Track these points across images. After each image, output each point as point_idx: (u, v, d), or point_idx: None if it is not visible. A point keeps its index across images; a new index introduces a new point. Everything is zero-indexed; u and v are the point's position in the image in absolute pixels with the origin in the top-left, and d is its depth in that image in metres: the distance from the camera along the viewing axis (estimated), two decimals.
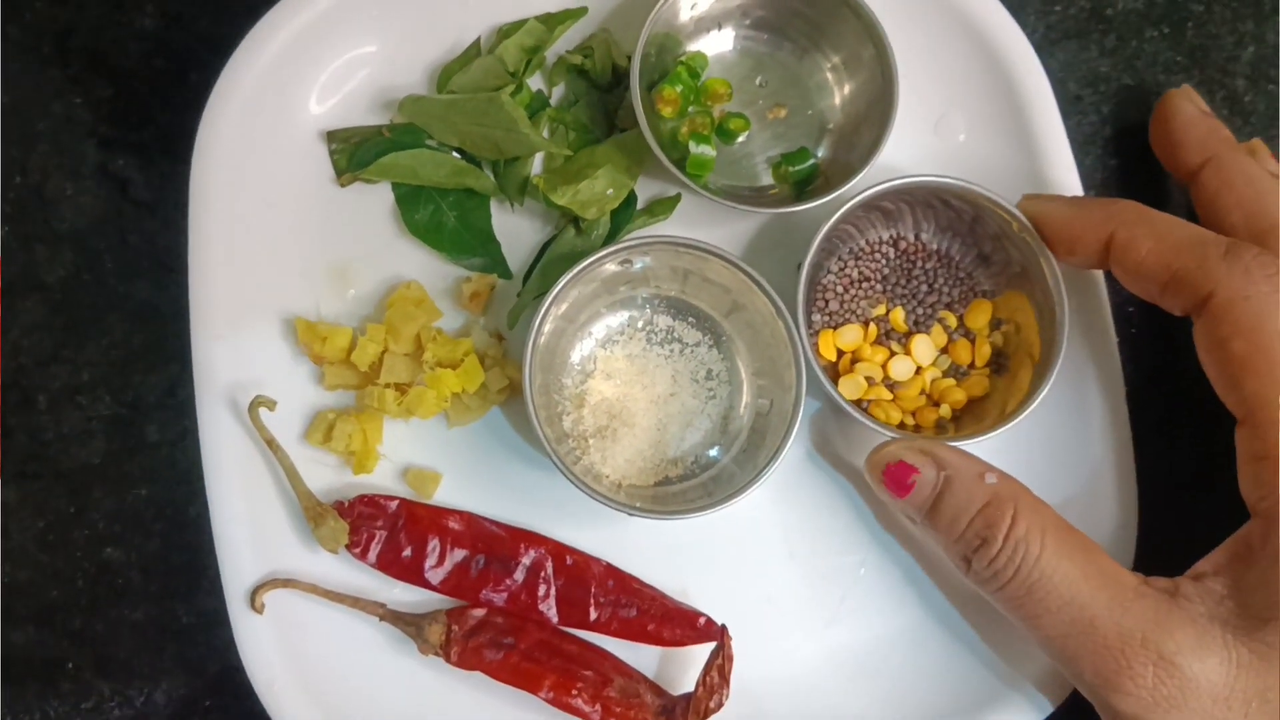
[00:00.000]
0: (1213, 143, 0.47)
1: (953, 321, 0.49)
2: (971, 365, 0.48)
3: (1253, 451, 0.40)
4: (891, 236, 0.49)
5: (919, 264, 0.49)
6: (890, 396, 0.48)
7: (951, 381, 0.48)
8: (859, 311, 0.49)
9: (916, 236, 0.49)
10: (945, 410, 0.48)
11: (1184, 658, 0.39)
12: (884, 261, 0.49)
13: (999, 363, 0.48)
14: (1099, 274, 0.49)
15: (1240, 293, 0.40)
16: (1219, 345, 0.41)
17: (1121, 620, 0.39)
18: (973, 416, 0.48)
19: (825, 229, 0.45)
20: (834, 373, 0.48)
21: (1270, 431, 0.39)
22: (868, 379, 0.48)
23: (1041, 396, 0.45)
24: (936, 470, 0.43)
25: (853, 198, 0.45)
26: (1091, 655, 0.40)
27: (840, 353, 0.48)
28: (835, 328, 0.48)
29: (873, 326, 0.48)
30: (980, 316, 0.48)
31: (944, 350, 0.49)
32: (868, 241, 0.49)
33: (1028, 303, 0.47)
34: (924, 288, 0.49)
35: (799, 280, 0.45)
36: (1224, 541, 0.42)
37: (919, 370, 0.48)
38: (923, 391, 0.48)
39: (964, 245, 0.49)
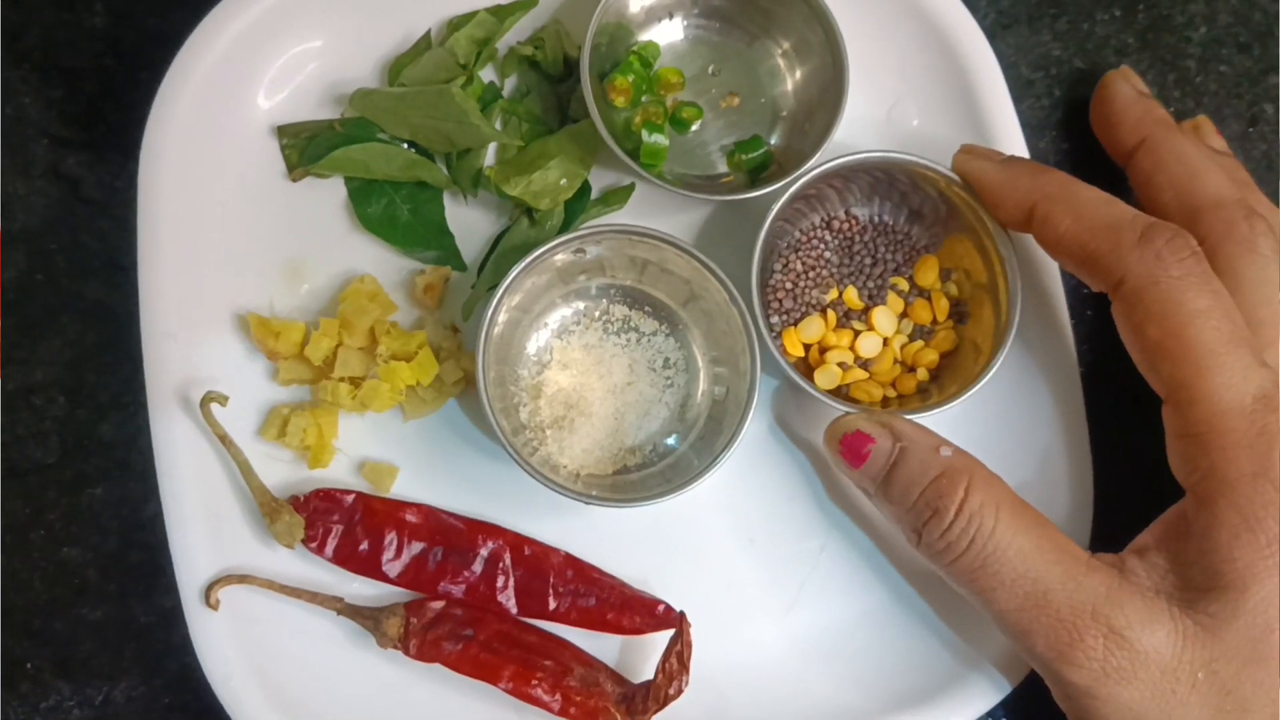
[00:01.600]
0: (1147, 123, 0.47)
1: (904, 285, 0.49)
2: (935, 322, 0.49)
3: (1176, 429, 0.41)
4: (823, 219, 0.49)
5: (856, 238, 0.49)
6: (866, 376, 0.48)
7: (920, 344, 0.48)
8: (813, 302, 0.49)
9: (846, 212, 0.49)
10: (923, 373, 0.48)
11: (1133, 630, 0.39)
12: (823, 246, 0.49)
13: (959, 311, 0.49)
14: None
15: (1150, 278, 0.40)
16: (1134, 330, 0.41)
17: (1074, 594, 0.39)
18: (951, 370, 0.48)
19: (775, 209, 0.46)
20: (806, 367, 0.48)
21: (1190, 411, 0.40)
22: (840, 365, 0.48)
23: (1014, 328, 0.45)
24: (892, 441, 0.43)
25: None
26: (1044, 629, 0.40)
27: (807, 346, 0.48)
28: (795, 324, 0.48)
29: (831, 313, 0.49)
30: (929, 273, 0.49)
31: (904, 315, 0.49)
32: (801, 231, 0.49)
33: (969, 244, 0.48)
34: (868, 260, 0.49)
35: (753, 264, 0.45)
36: (1160, 516, 0.42)
37: (886, 342, 0.48)
38: (896, 360, 0.48)
39: (894, 207, 0.49)
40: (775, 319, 0.49)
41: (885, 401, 0.47)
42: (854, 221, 0.49)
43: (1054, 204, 0.43)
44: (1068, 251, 0.43)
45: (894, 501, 0.43)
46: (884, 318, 0.48)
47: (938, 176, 0.46)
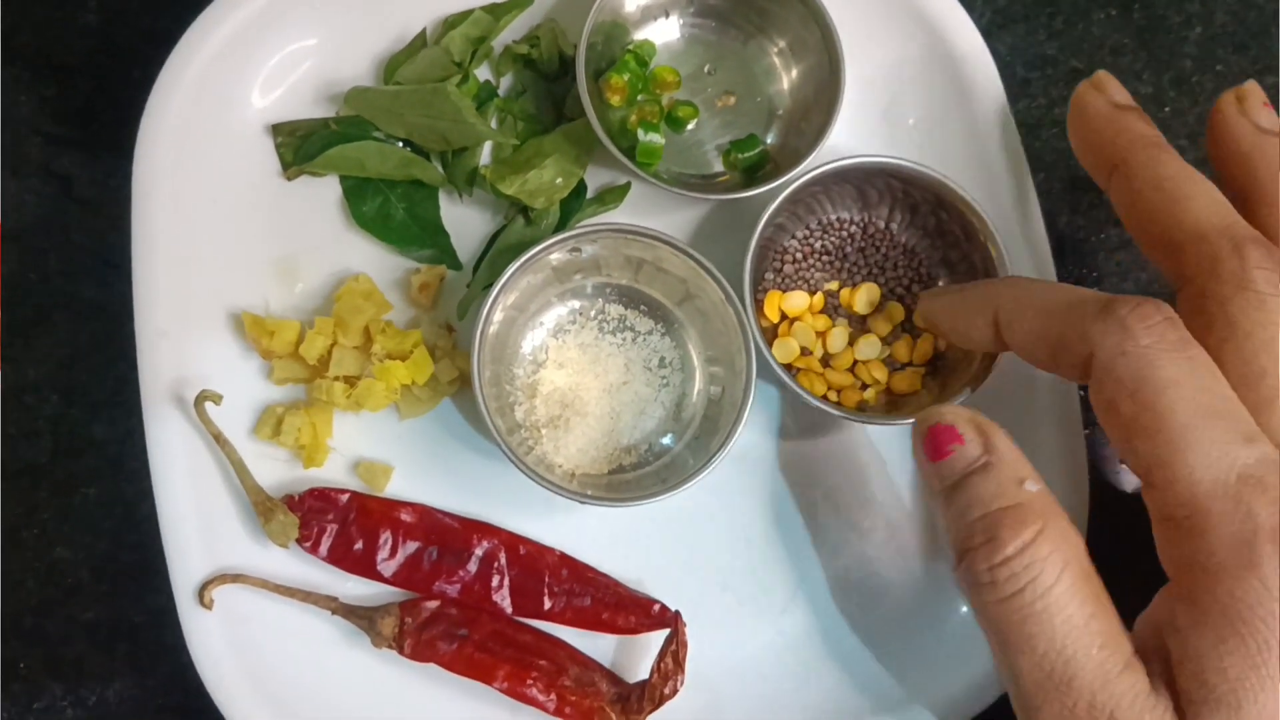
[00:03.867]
0: (1121, 144, 0.42)
1: (900, 315, 0.49)
2: (909, 364, 0.48)
3: (1157, 512, 0.36)
4: (863, 219, 0.49)
5: (884, 251, 0.49)
6: (820, 370, 0.48)
7: (885, 369, 0.48)
8: (812, 281, 0.49)
9: (887, 225, 0.49)
10: (870, 395, 0.48)
11: None
12: (849, 241, 0.49)
13: (935, 366, 0.48)
14: None
15: (1117, 349, 0.35)
16: (1107, 409, 0.36)
17: (1098, 694, 0.35)
18: (895, 409, 0.47)
19: (767, 214, 0.45)
20: (773, 335, 0.48)
21: (1168, 492, 0.35)
22: (803, 349, 0.48)
23: (960, 399, 0.45)
24: (982, 449, 0.38)
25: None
26: (1053, 713, 0.36)
27: (784, 316, 0.48)
28: (785, 290, 0.48)
29: (820, 295, 0.48)
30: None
31: (885, 339, 0.49)
32: (838, 218, 0.49)
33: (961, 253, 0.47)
34: (881, 276, 0.49)
35: (745, 265, 0.45)
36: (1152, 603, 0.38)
37: (851, 344, 0.48)
38: (852, 370, 0.48)
39: (932, 246, 0.49)
40: (770, 276, 0.49)
41: (824, 399, 0.47)
42: (889, 235, 0.49)
43: (1013, 306, 0.40)
44: (1037, 348, 0.39)
45: (952, 513, 0.38)
46: (868, 347, 0.48)
47: (933, 180, 0.46)
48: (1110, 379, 0.36)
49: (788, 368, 0.47)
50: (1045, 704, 0.36)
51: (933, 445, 0.39)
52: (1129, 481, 0.51)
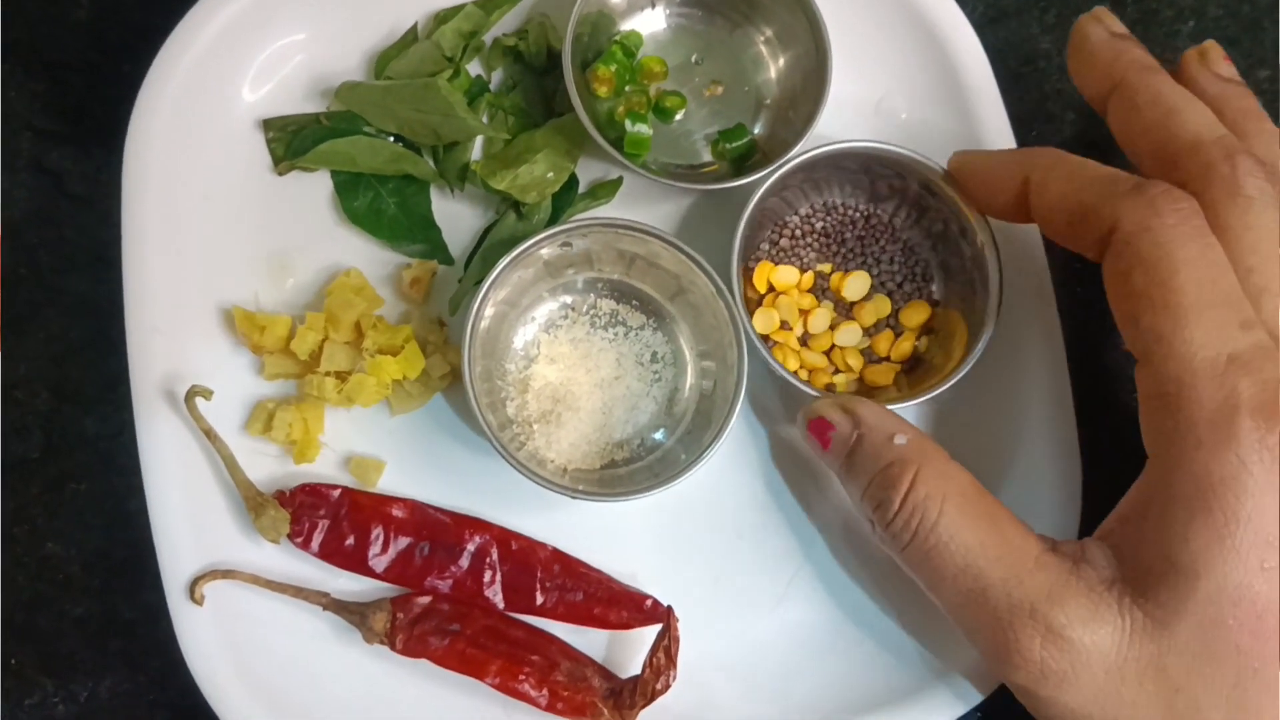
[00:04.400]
0: (1120, 66, 0.43)
1: (886, 309, 0.49)
2: (886, 358, 0.48)
3: (1147, 389, 0.38)
4: (867, 209, 0.49)
5: (882, 243, 0.49)
6: (796, 347, 0.48)
7: (860, 359, 0.48)
8: (806, 259, 0.49)
9: (890, 220, 0.49)
10: (840, 380, 0.48)
11: (1074, 630, 0.37)
12: (849, 227, 0.49)
13: (912, 366, 0.49)
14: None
15: (1142, 224, 0.38)
16: (1120, 279, 0.38)
17: (1013, 592, 0.38)
18: (934, 358, 0.48)
19: (743, 221, 0.46)
20: (757, 306, 0.48)
21: (1162, 367, 0.37)
22: (783, 322, 0.48)
23: (995, 319, 0.45)
24: (851, 425, 0.42)
25: (761, 185, 0.46)
26: (984, 627, 0.39)
27: (771, 289, 0.48)
28: (777, 264, 0.48)
29: (810, 275, 0.49)
30: (916, 316, 0.48)
31: (867, 330, 0.49)
32: (843, 203, 0.49)
33: (963, 326, 0.47)
34: (875, 268, 0.49)
35: (733, 256, 0.45)
36: (1128, 491, 0.40)
37: (833, 328, 0.48)
38: (828, 354, 0.48)
39: (931, 248, 0.49)
40: (765, 246, 0.49)
41: (795, 374, 0.47)
42: (891, 230, 0.49)
43: (1047, 172, 0.41)
44: (1060, 213, 0.41)
45: (852, 487, 0.43)
46: (849, 334, 0.48)
47: (922, 167, 0.46)
48: (1130, 250, 0.38)
49: (765, 339, 0.47)
50: (975, 622, 0.39)
51: (818, 436, 0.43)
52: None
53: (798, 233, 0.49)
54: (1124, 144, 0.43)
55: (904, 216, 0.49)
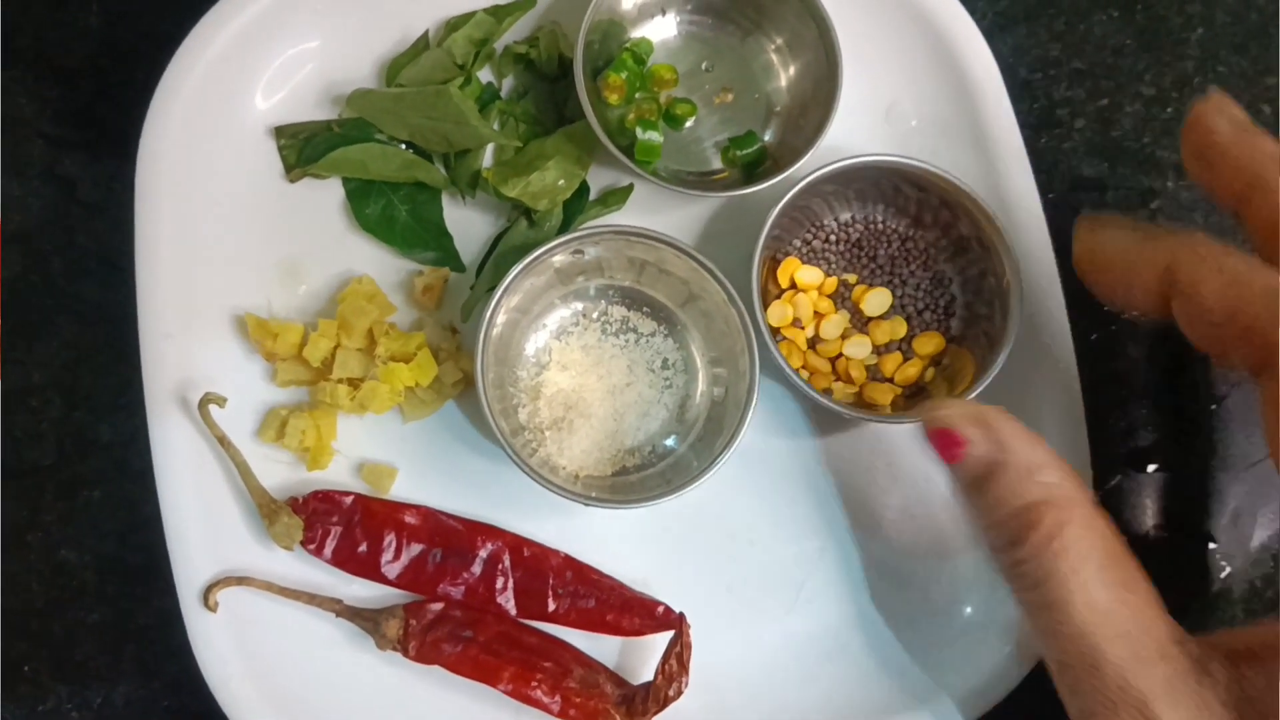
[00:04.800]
0: (1256, 162, 0.38)
1: (901, 332, 0.49)
2: (890, 380, 0.49)
3: None
4: (904, 232, 0.49)
5: (913, 268, 0.49)
6: (803, 347, 0.48)
7: (864, 373, 0.48)
8: (834, 265, 0.49)
9: (927, 247, 0.49)
10: (841, 390, 0.48)
11: None
12: (884, 244, 0.49)
13: (914, 391, 0.49)
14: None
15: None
16: None
17: (1129, 677, 0.35)
18: (859, 408, 0.47)
19: (775, 213, 0.46)
20: (774, 299, 0.48)
21: None
22: (796, 320, 0.48)
23: (1015, 334, 0.45)
24: (992, 449, 0.37)
25: (801, 179, 0.45)
26: (1086, 696, 0.36)
27: (793, 286, 0.48)
28: (805, 262, 0.49)
29: (834, 280, 0.49)
30: (929, 346, 0.48)
31: (877, 348, 0.49)
32: (883, 220, 0.49)
33: (971, 369, 0.47)
34: (900, 289, 0.49)
35: (752, 267, 0.45)
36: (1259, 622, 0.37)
37: (844, 338, 0.49)
38: (833, 361, 0.48)
39: (961, 289, 0.49)
40: (798, 242, 0.49)
41: (797, 371, 0.47)
42: (927, 258, 0.49)
43: (1198, 267, 0.36)
44: (1213, 324, 0.36)
45: (977, 511, 0.38)
46: (859, 346, 0.48)
47: (943, 181, 0.46)
48: None
49: (774, 332, 0.47)
50: (1078, 686, 0.36)
51: (942, 449, 0.38)
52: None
53: (832, 238, 0.49)
54: (1266, 247, 0.38)
55: (941, 248, 0.49)
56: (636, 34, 0.50)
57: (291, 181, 0.49)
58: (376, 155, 0.48)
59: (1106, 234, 0.40)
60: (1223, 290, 0.36)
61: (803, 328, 0.48)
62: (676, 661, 0.46)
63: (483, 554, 0.47)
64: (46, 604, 0.49)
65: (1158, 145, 0.53)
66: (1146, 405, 0.52)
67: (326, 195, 0.49)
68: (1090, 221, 0.40)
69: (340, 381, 0.47)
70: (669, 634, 0.46)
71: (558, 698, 0.46)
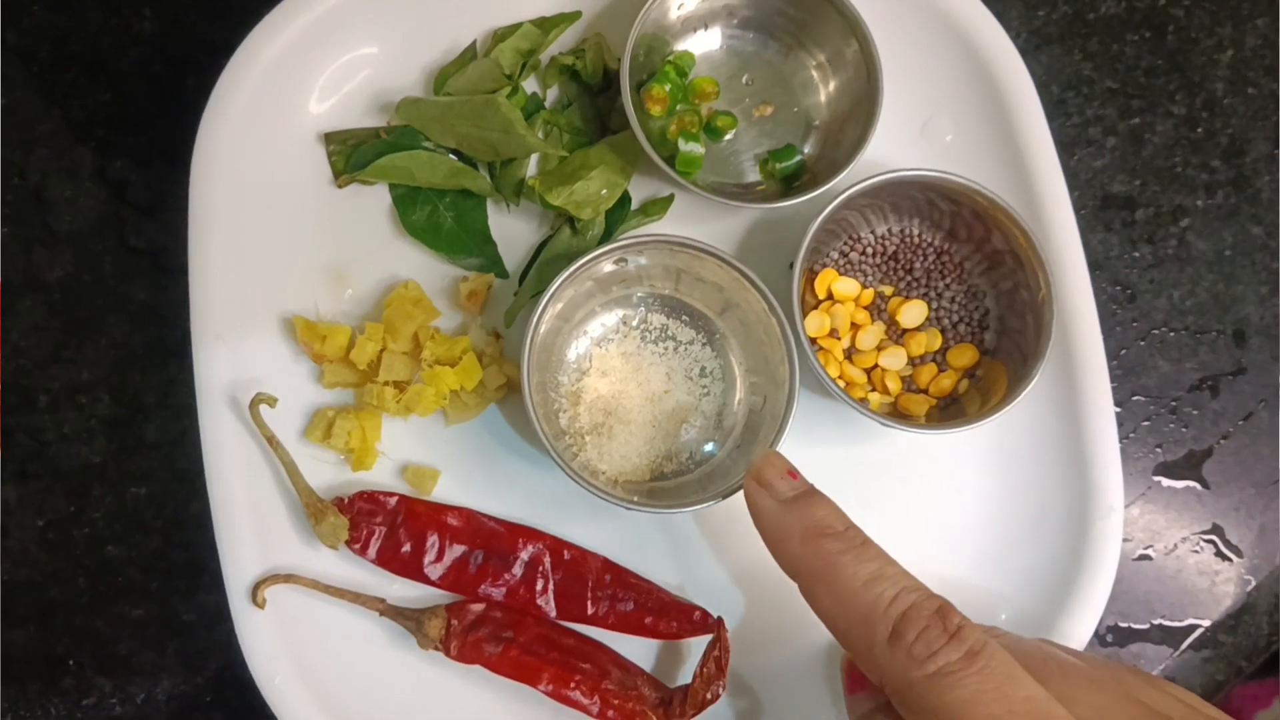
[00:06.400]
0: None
1: (937, 343, 0.49)
2: (925, 391, 0.49)
3: None
4: (940, 246, 0.50)
5: (948, 281, 0.50)
6: (840, 358, 0.49)
7: (900, 384, 0.49)
8: (870, 277, 0.50)
9: (962, 261, 0.50)
10: (876, 400, 0.49)
11: None
12: (920, 258, 0.50)
13: (948, 403, 0.49)
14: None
15: (903, 680, 0.35)
16: None
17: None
18: (895, 418, 0.48)
19: (815, 226, 0.46)
20: (812, 310, 0.49)
21: None
22: (833, 331, 0.49)
23: (1049, 348, 0.46)
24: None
25: (841, 193, 0.46)
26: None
27: (830, 297, 0.49)
28: (842, 274, 0.49)
29: (871, 292, 0.49)
30: (963, 358, 0.49)
31: (913, 360, 0.50)
32: (919, 234, 0.50)
33: (1004, 382, 0.48)
34: (936, 302, 0.50)
35: (793, 278, 0.46)
36: None
37: (880, 349, 0.49)
38: (869, 372, 0.49)
39: (996, 302, 0.50)
40: (835, 254, 0.50)
41: (837, 379, 0.47)
42: (961, 273, 0.50)
43: (815, 581, 0.38)
44: (835, 636, 0.38)
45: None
46: (895, 358, 0.49)
47: (978, 196, 0.47)
48: (904, 708, 0.36)
49: (812, 342, 0.48)
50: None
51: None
52: None
53: (869, 250, 0.50)
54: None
55: (976, 262, 0.50)
56: (679, 47, 0.51)
57: (340, 187, 0.50)
58: (423, 162, 0.49)
59: (763, 501, 0.41)
60: (831, 607, 0.38)
61: (840, 338, 0.49)
62: (715, 665, 0.46)
63: (523, 556, 0.48)
64: (92, 599, 0.50)
65: (1188, 164, 0.54)
66: (1175, 420, 0.53)
67: (374, 201, 0.50)
68: (755, 478, 0.41)
69: (386, 384, 0.47)
70: (704, 638, 0.47)
71: (596, 699, 0.46)
